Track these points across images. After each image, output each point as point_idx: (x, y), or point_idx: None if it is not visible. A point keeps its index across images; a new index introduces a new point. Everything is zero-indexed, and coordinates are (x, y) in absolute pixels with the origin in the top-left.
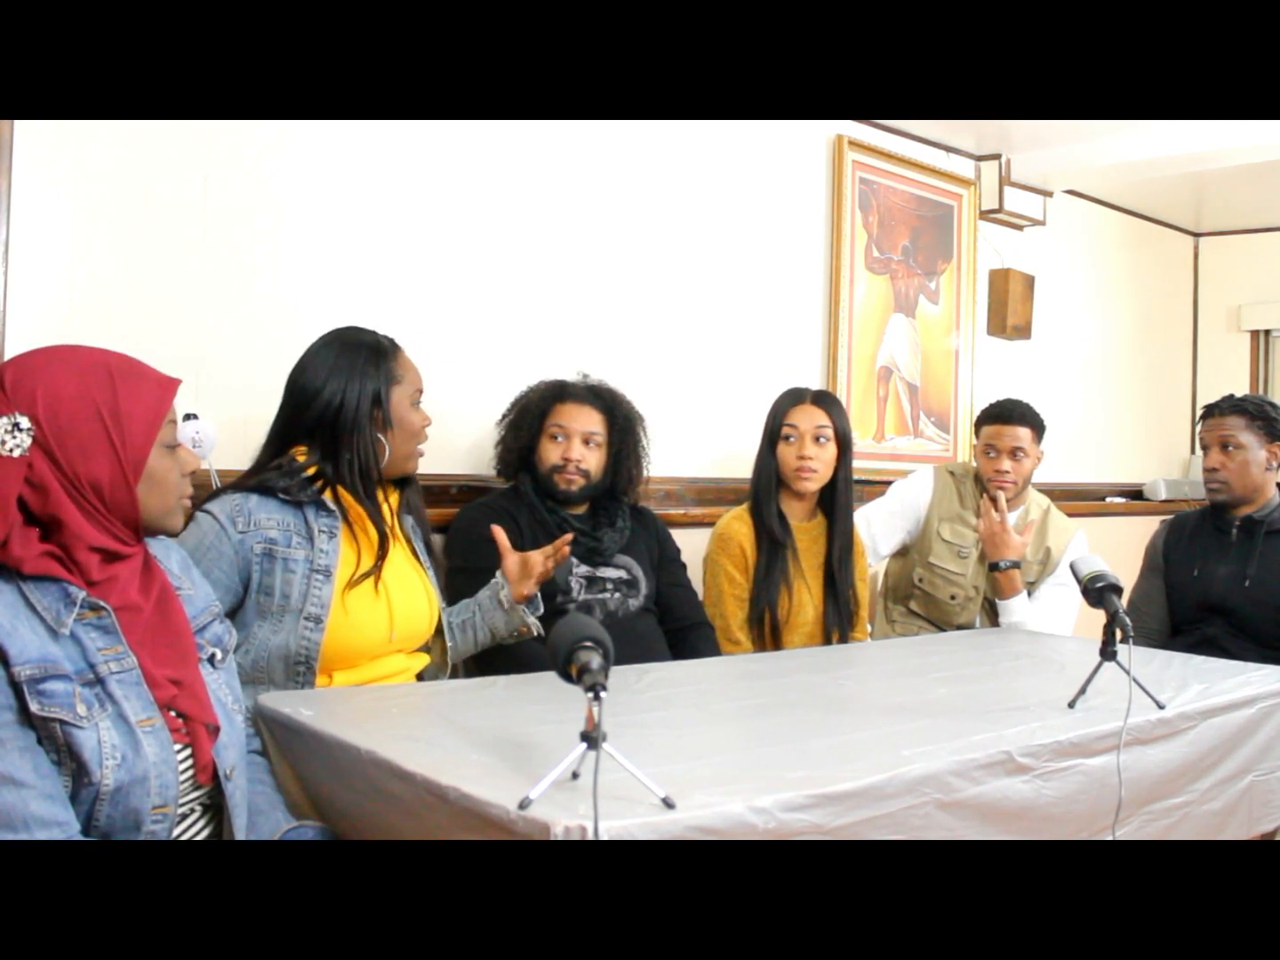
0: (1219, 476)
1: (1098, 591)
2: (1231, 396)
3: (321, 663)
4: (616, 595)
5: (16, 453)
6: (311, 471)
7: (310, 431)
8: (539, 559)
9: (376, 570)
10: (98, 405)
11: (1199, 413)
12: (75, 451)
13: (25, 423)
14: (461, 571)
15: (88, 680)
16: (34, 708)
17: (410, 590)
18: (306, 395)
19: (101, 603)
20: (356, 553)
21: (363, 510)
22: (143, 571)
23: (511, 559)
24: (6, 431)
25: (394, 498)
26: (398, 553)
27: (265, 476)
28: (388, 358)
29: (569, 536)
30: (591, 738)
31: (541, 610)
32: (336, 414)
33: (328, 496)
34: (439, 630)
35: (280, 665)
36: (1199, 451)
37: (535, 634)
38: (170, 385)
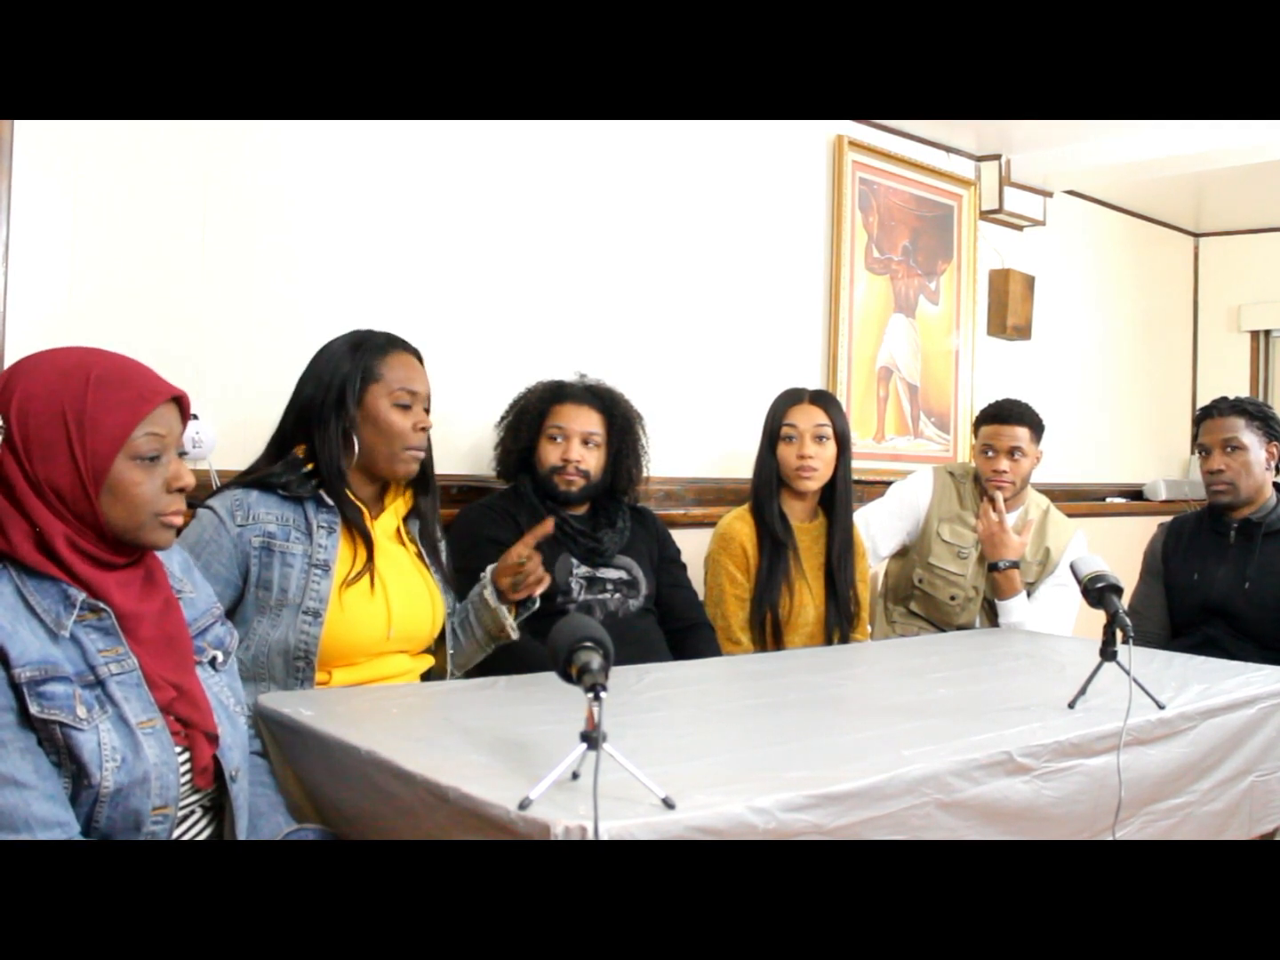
0: (1224, 478)
1: (1098, 592)
2: (1226, 398)
3: (320, 658)
4: (616, 596)
5: None
6: (311, 468)
7: (296, 430)
8: (520, 551)
9: (369, 568)
10: (64, 410)
11: (1194, 416)
12: (38, 453)
13: None
14: (462, 573)
15: (88, 682)
16: (34, 710)
17: (412, 592)
18: (294, 396)
19: (101, 604)
20: (354, 550)
21: (361, 507)
22: (144, 581)
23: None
24: None
25: (400, 501)
26: (400, 554)
27: (266, 472)
28: (366, 355)
29: (548, 522)
30: (591, 738)
31: (536, 607)
32: (308, 410)
33: (326, 493)
34: (443, 636)
35: (280, 660)
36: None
37: (513, 637)
38: (152, 398)
